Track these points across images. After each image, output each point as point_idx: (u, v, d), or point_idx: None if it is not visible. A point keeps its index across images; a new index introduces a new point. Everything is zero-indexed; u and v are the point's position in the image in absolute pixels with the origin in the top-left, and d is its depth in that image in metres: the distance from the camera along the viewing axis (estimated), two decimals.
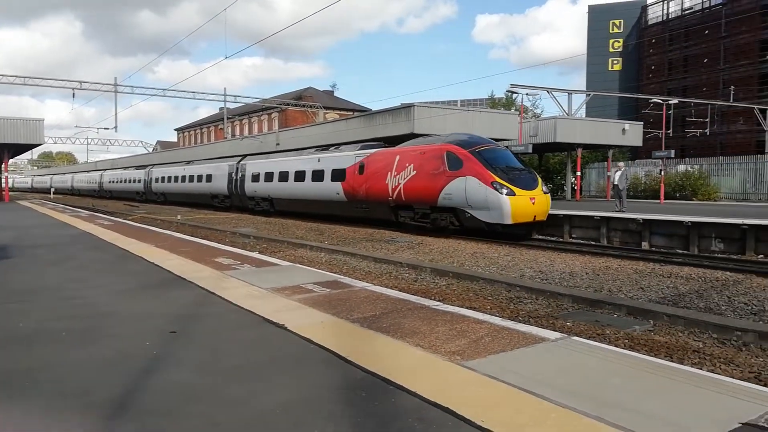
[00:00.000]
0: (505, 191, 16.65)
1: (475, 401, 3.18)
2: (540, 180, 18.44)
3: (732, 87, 43.43)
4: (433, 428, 2.86)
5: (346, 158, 23.63)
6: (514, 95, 37.99)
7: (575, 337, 4.63)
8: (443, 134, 21.89)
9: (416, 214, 19.79)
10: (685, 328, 7.25)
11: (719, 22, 49.06)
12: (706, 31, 50.23)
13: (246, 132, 68.42)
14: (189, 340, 4.65)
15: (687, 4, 54.29)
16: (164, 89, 62.07)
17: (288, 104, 54.91)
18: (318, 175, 25.14)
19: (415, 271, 11.63)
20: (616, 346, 6.41)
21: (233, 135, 58.71)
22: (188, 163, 44.28)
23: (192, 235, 16.25)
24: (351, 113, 55.36)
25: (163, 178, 46.01)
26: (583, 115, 38.72)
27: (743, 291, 9.32)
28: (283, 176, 28.13)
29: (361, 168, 22.32)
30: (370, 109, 44.93)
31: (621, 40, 59.73)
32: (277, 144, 37.75)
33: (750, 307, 8.23)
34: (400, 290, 8.09)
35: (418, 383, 3.48)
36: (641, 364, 3.84)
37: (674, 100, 35.51)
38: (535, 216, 17.31)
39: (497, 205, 16.63)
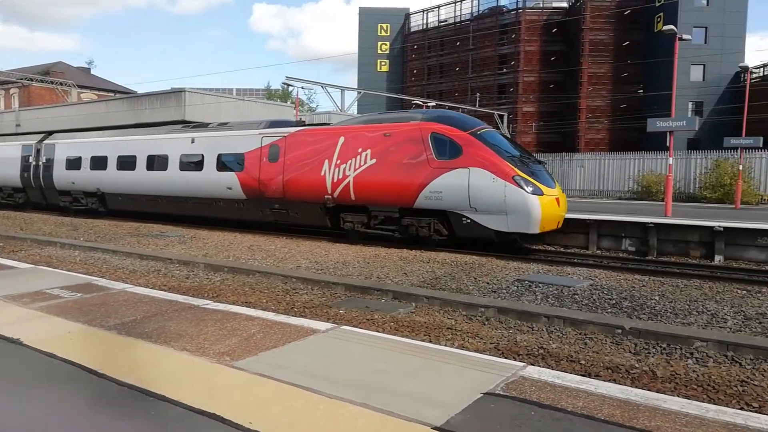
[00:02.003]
0: (530, 189, 12.22)
1: (244, 403, 3.07)
2: None
3: (478, 94, 49.90)
4: None
5: (245, 139, 16.90)
6: (291, 88, 38.39)
7: (345, 327, 4.81)
8: (408, 111, 16.81)
9: (373, 219, 14.50)
10: (441, 308, 8.05)
11: (468, 35, 55.85)
12: (458, 43, 56.79)
13: None
14: None
15: (443, 17, 60.65)
16: None
17: (32, 79, 47.33)
18: (192, 163, 18.17)
19: (187, 267, 10.96)
20: (383, 329, 6.86)
21: None
22: None
23: None
24: (112, 94, 50.00)
25: None
26: (355, 112, 40.74)
27: (486, 272, 10.73)
28: (126, 163, 20.31)
29: (274, 153, 16.01)
30: (135, 92, 41.11)
31: (388, 43, 64.22)
32: (18, 125, 32.32)
33: (491, 286, 9.50)
34: (168, 290, 7.54)
35: (183, 390, 3.24)
36: (403, 347, 4.13)
37: (432, 103, 39.44)
38: (558, 222, 13.27)
39: (523, 208, 12.10)
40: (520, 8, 51.93)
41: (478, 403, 3.05)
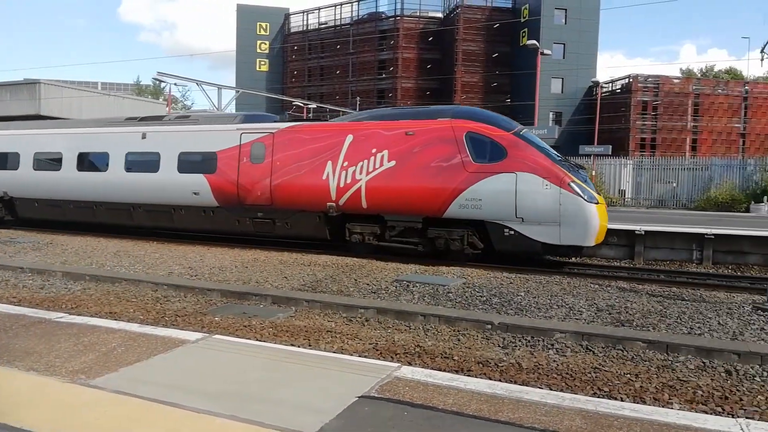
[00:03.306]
0: (587, 196, 10.99)
1: (100, 425, 2.81)
2: None
3: (358, 98, 50.54)
4: None
5: (218, 135, 14.21)
6: (163, 84, 36.31)
7: (217, 336, 4.60)
8: (430, 106, 14.49)
9: (389, 231, 12.64)
10: (321, 311, 8.01)
11: (348, 39, 56.40)
12: (339, 46, 57.14)
13: None
14: None
15: (323, 19, 60.68)
16: None
17: None
18: (142, 163, 15.17)
19: (42, 276, 9.93)
20: (261, 335, 6.67)
21: None
22: None
23: None
24: None
25: None
26: (234, 111, 39.47)
27: (366, 273, 10.85)
28: (47, 161, 16.67)
29: (258, 152, 13.61)
30: None
31: (268, 42, 63.01)
32: None
33: (371, 287, 9.61)
34: (17, 302, 6.78)
35: (29, 416, 2.90)
36: (279, 354, 4.03)
37: (313, 105, 39.32)
38: (604, 234, 11.86)
39: (580, 218, 10.84)
40: (398, 15, 53.35)
41: (354, 407, 3.04)
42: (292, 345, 6.20)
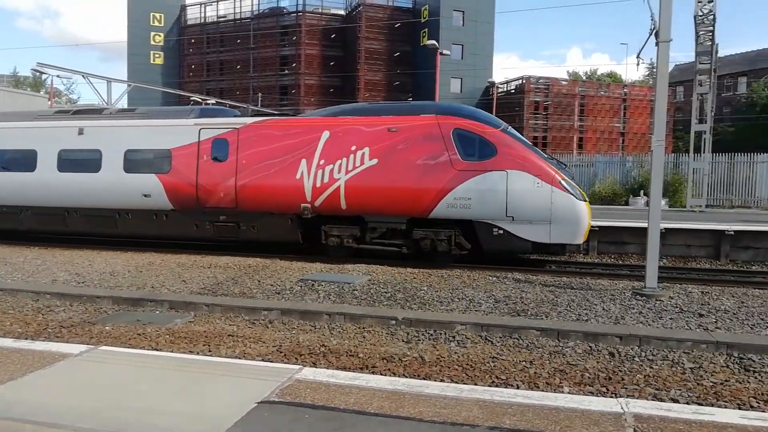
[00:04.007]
0: (577, 194, 10.95)
1: None
2: None
3: (260, 94, 49.39)
4: None
5: (172, 131, 13.05)
6: (44, 76, 33.44)
7: (105, 347, 4.30)
8: (408, 102, 13.39)
9: (370, 232, 12.03)
10: (222, 315, 7.75)
11: (249, 33, 54.92)
12: (239, 41, 55.48)
13: None
14: None
15: (222, 12, 58.64)
16: None
17: None
18: (80, 162, 13.67)
19: None
20: (157, 344, 6.33)
21: None
22: None
23: None
24: None
25: None
26: (125, 106, 37.21)
27: (270, 274, 10.63)
28: None
29: (220, 150, 12.55)
30: None
31: (162, 34, 59.95)
32: None
33: (275, 288, 9.42)
34: None
35: None
36: (174, 362, 3.83)
37: (212, 100, 37.92)
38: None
39: (571, 216, 10.74)
40: (300, 11, 52.73)
41: (252, 413, 2.94)
42: (191, 352, 5.95)
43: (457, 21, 48.41)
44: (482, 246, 11.36)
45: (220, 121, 12.90)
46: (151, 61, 59.58)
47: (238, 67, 55.44)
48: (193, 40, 58.57)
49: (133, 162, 13.18)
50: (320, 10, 53.97)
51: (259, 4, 55.96)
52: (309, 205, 12.00)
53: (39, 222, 14.29)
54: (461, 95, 47.07)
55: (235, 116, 13.34)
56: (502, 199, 10.85)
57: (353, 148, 11.69)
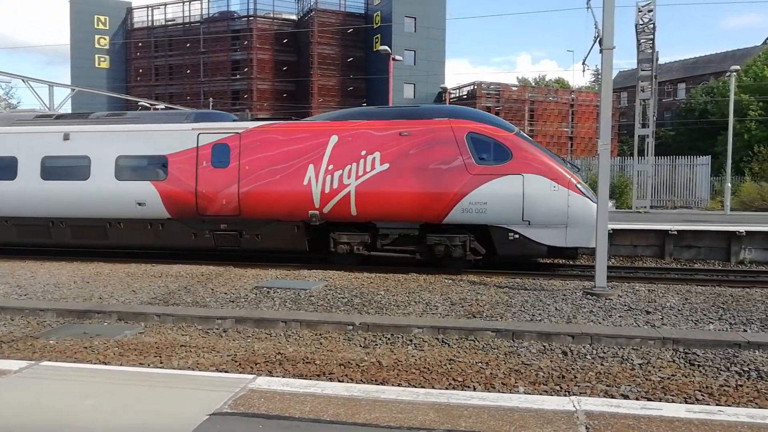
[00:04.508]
0: (592, 197, 10.79)
1: None
2: None
3: (211, 99, 48.48)
4: None
5: (168, 135, 12.48)
6: None
7: (47, 362, 4.10)
8: (418, 106, 13.52)
9: (381, 239, 11.72)
10: (174, 325, 7.54)
11: (199, 38, 53.87)
12: (188, 45, 54.34)
13: None
14: None
15: (170, 16, 57.33)
16: None
17: None
18: (67, 169, 12.89)
19: None
20: (105, 357, 6.10)
21: None
22: None
23: None
24: None
25: None
26: (69, 111, 35.85)
27: (224, 282, 10.41)
28: None
29: (221, 156, 12.09)
30: None
31: (107, 37, 58.12)
32: None
33: (229, 296, 9.24)
34: None
35: None
36: (122, 376, 3.69)
37: (161, 105, 36.96)
38: None
39: (588, 220, 10.42)
40: (251, 15, 52.10)
41: (204, 426, 2.86)
42: (141, 365, 5.76)
43: (409, 27, 48.85)
44: (497, 251, 11.21)
45: (221, 126, 12.48)
46: (96, 65, 57.71)
47: (188, 71, 54.35)
48: (140, 44, 57.05)
49: (126, 169, 12.65)
50: (272, 15, 53.48)
51: (209, 8, 55.02)
52: (317, 212, 11.63)
53: (20, 234, 13.45)
54: (415, 100, 47.49)
55: (234, 120, 12.94)
56: (518, 203, 10.70)
57: (363, 152, 11.42)
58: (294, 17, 54.57)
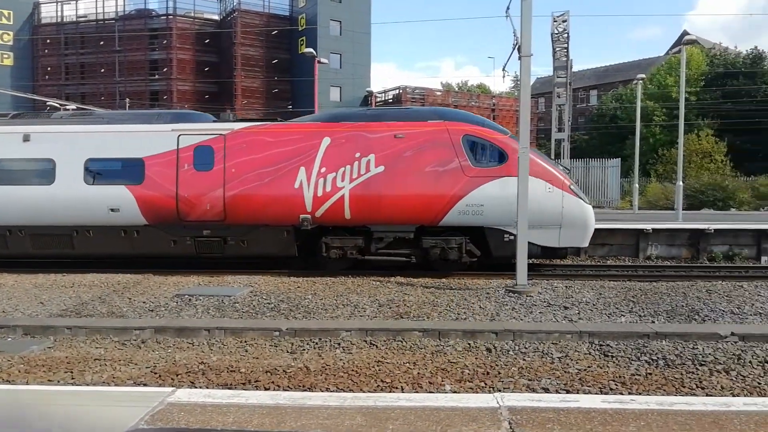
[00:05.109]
0: (584, 197, 11.26)
1: None
2: None
3: (128, 99, 46.29)
4: None
5: (145, 137, 11.68)
6: None
7: None
8: (412, 108, 12.21)
9: (375, 243, 11.44)
10: (87, 337, 7.13)
11: (113, 35, 51.31)
12: (102, 42, 51.63)
13: None
14: None
15: (81, 12, 54.23)
16: None
17: None
18: (27, 173, 11.88)
19: None
20: (9, 375, 5.66)
21: None
22: None
23: None
24: None
25: None
26: None
27: (142, 291, 9.95)
28: None
29: (204, 158, 11.42)
30: None
31: (11, 33, 54.25)
32: None
33: (148, 305, 8.82)
34: None
35: None
36: (26, 396, 3.42)
37: (72, 105, 34.93)
38: None
39: (581, 221, 10.97)
40: (170, 14, 50.24)
41: None
42: (50, 381, 5.38)
43: (334, 30, 48.78)
44: (492, 253, 11.27)
45: (204, 127, 11.90)
46: (0, 62, 53.76)
47: (102, 70, 51.66)
48: (48, 41, 53.64)
49: (96, 173, 11.86)
50: (192, 14, 51.81)
51: (124, 5, 52.57)
52: (309, 216, 11.28)
53: None
54: (341, 103, 47.44)
55: (216, 121, 12.35)
56: (514, 205, 10.56)
57: (357, 155, 11.19)
58: (216, 17, 53.14)
